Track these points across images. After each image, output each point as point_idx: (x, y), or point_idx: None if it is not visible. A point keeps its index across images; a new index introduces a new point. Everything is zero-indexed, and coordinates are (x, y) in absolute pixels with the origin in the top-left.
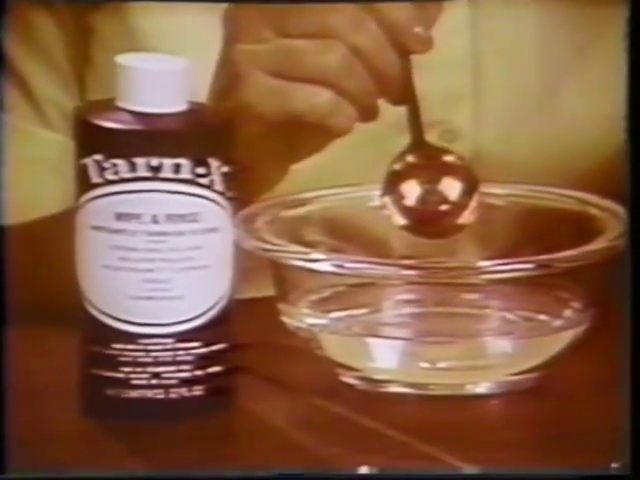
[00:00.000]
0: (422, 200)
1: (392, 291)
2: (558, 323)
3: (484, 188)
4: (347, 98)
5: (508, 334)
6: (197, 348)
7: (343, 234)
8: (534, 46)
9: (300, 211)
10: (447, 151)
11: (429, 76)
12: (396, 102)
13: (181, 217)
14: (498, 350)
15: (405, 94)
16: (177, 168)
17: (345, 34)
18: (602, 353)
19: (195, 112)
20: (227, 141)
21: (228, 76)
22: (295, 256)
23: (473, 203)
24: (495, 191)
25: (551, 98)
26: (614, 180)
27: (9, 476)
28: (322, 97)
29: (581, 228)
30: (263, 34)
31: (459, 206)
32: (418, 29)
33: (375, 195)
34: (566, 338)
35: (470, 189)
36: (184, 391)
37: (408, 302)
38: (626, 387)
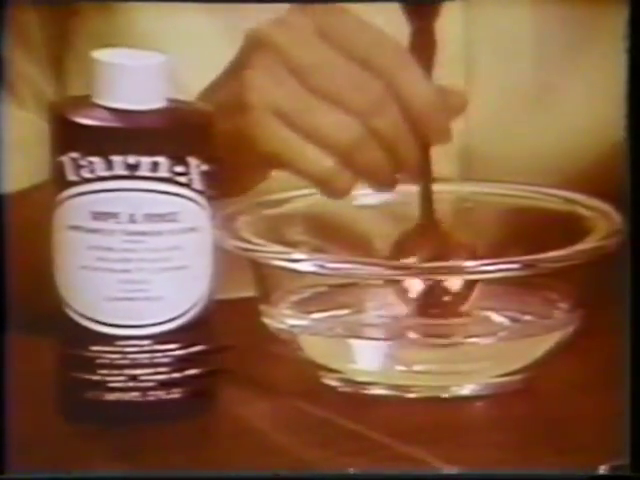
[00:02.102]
0: (425, 296)
1: (375, 292)
2: (545, 324)
3: (472, 187)
4: (355, 171)
5: (494, 335)
6: (175, 350)
7: (326, 234)
8: (529, 43)
9: (282, 210)
10: (454, 237)
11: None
12: (409, 181)
13: (159, 216)
14: (484, 351)
15: (419, 176)
16: (155, 166)
17: (365, 114)
18: (591, 354)
19: (173, 109)
20: (206, 139)
21: (235, 96)
22: (277, 256)
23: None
24: (482, 190)
25: (546, 97)
26: (609, 180)
27: (9, 476)
28: (325, 164)
29: (569, 228)
30: (283, 74)
31: (462, 296)
32: (439, 121)
33: (358, 194)
34: (553, 339)
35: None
36: (162, 394)
37: (391, 303)
38: (626, 387)
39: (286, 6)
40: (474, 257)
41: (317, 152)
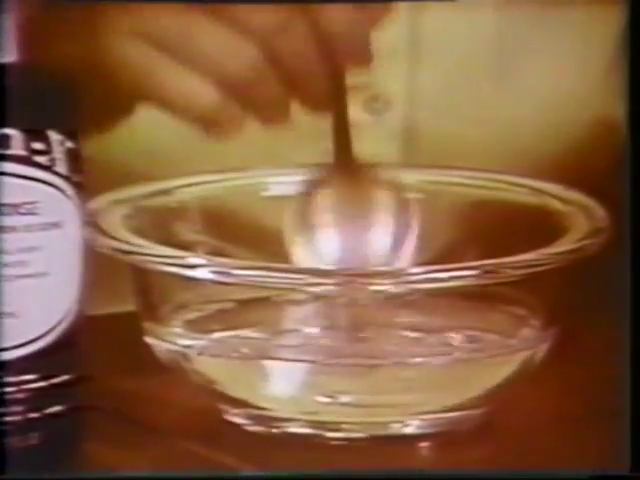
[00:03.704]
0: (343, 260)
1: (293, 305)
2: (510, 344)
3: (418, 175)
4: (244, 105)
5: (446, 358)
6: (34, 382)
7: (229, 232)
8: (487, 13)
9: (171, 202)
10: (377, 178)
11: None
12: (316, 111)
13: (12, 207)
14: (434, 378)
15: (331, 106)
16: (6, 141)
17: (264, 35)
18: (565, 380)
19: (28, 66)
20: (71, 108)
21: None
22: (166, 261)
23: (407, 249)
24: (431, 178)
25: (506, 69)
26: (588, 168)
27: (9, 476)
28: (207, 97)
29: (539, 225)
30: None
31: (390, 258)
32: (356, 38)
33: (270, 182)
34: (521, 363)
35: (402, 234)
36: (16, 440)
37: (314, 319)
38: (626, 387)
39: None
40: (400, 199)
41: (197, 82)
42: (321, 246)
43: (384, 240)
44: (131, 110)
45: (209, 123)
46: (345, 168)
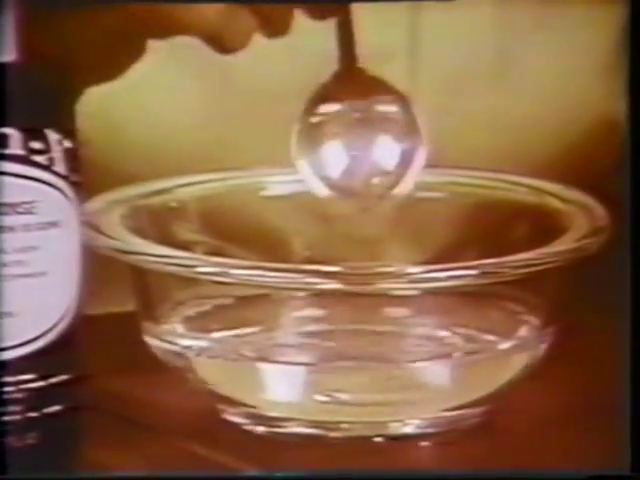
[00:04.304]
0: (349, 172)
1: (292, 305)
2: (510, 344)
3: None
4: (248, 17)
5: (444, 358)
6: (32, 381)
7: (227, 232)
8: (487, 15)
9: (170, 201)
10: (385, 86)
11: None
12: (318, 17)
13: (11, 207)
14: (431, 379)
15: (335, 13)
16: (4, 140)
17: None
18: (565, 380)
19: (26, 65)
20: (68, 107)
21: None
22: (164, 260)
23: (414, 168)
24: (430, 179)
25: (508, 69)
26: (588, 167)
27: (8, 476)
28: (212, 13)
29: (539, 224)
30: None
31: (396, 174)
32: None
33: (269, 182)
34: (520, 362)
35: (411, 148)
36: (14, 440)
37: (313, 319)
38: (626, 388)
39: None
40: (410, 125)
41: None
42: (326, 160)
43: (391, 154)
44: (141, 47)
45: (217, 36)
46: (350, 75)
